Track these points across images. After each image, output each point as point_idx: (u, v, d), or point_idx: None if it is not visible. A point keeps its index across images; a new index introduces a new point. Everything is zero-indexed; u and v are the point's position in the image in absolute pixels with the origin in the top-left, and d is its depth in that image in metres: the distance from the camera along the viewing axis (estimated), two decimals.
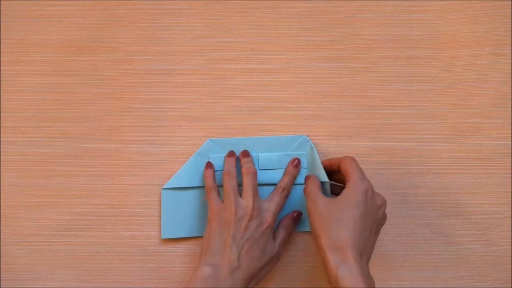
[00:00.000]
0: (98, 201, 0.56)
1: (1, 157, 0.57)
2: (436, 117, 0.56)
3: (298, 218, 0.54)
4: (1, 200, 0.56)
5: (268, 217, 0.50)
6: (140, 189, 0.56)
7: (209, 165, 0.54)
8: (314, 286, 0.55)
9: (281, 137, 0.56)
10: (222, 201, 0.52)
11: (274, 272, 0.55)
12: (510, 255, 0.54)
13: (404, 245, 0.55)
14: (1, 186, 0.56)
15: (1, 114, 0.57)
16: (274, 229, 0.52)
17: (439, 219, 0.55)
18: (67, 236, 0.56)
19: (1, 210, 0.56)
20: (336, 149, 0.56)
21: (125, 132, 0.57)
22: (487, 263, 0.54)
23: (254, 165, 0.54)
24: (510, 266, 0.54)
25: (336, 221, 0.45)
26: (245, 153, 0.55)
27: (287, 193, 0.53)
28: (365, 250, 0.46)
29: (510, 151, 0.55)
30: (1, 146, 0.57)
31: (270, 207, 0.51)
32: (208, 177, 0.54)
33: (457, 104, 0.56)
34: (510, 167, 0.55)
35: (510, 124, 0.56)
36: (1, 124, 0.57)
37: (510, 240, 0.54)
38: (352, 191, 0.47)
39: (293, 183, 0.54)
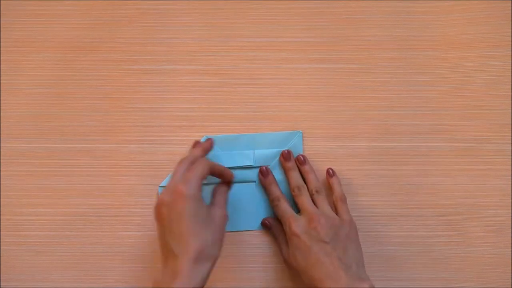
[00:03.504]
0: (97, 201, 0.56)
1: (1, 157, 0.57)
2: (435, 119, 0.56)
3: (230, 185, 0.53)
4: (1, 200, 0.56)
5: (178, 189, 0.46)
6: (139, 189, 0.56)
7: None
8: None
9: (277, 133, 0.56)
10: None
11: (271, 272, 0.55)
12: (510, 256, 0.54)
13: (403, 247, 0.55)
14: (1, 186, 0.56)
15: (1, 114, 0.57)
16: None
17: (438, 221, 0.55)
18: (66, 236, 0.56)
19: (1, 210, 0.56)
20: (335, 150, 0.56)
21: (124, 132, 0.57)
22: (486, 264, 0.54)
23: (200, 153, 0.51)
24: (510, 268, 0.54)
25: (316, 265, 0.48)
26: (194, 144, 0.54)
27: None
28: (354, 260, 0.48)
29: (509, 152, 0.55)
30: (1, 146, 0.57)
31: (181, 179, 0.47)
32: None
33: (456, 106, 0.56)
34: (510, 168, 0.55)
35: (510, 126, 0.56)
36: (1, 124, 0.57)
37: (510, 242, 0.54)
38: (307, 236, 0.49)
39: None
